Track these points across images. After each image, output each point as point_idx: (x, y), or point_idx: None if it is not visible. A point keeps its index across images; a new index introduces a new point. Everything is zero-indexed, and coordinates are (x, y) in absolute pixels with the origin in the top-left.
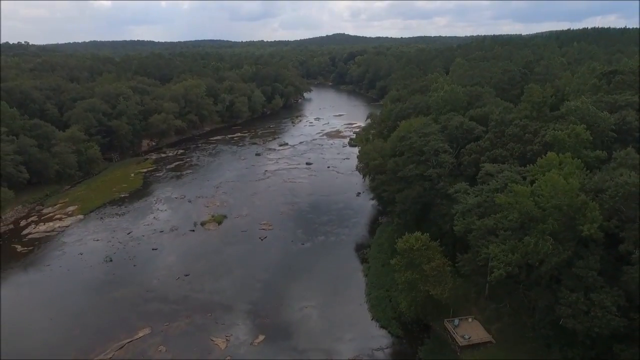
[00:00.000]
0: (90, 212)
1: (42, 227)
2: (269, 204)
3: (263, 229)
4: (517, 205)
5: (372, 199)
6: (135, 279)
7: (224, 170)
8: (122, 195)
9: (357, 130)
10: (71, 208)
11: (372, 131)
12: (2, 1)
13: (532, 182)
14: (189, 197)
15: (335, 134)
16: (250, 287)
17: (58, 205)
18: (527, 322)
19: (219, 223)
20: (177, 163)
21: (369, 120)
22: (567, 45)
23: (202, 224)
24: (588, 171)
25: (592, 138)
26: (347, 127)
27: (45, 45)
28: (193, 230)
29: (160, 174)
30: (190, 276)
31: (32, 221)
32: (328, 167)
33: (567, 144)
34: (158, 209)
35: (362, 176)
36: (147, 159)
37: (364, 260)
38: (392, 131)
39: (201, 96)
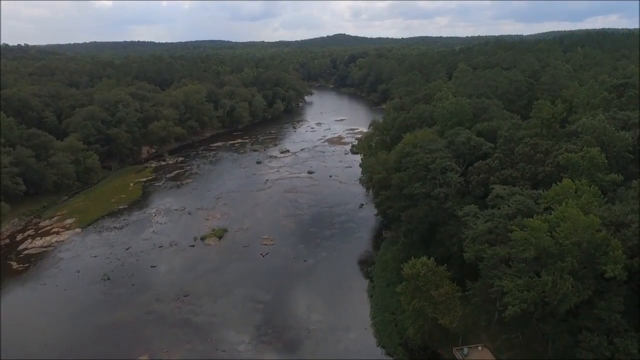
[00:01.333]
0: (88, 225)
1: (38, 242)
2: (271, 216)
3: (264, 244)
4: (534, 240)
5: (377, 214)
6: (134, 300)
7: (225, 179)
8: (121, 207)
9: (359, 136)
10: (69, 221)
11: (374, 139)
12: (2, 1)
13: (546, 209)
14: (189, 209)
15: (337, 140)
16: (251, 308)
17: (55, 218)
18: (541, 353)
19: (220, 237)
20: (177, 171)
21: (371, 129)
22: (571, 49)
23: (202, 238)
24: (605, 198)
25: (607, 161)
26: (349, 133)
27: (46, 46)
28: (193, 246)
29: (160, 184)
30: (190, 297)
31: (28, 235)
32: (330, 176)
33: (581, 167)
34: (157, 222)
35: (365, 189)
36: (147, 167)
37: (368, 278)
38: (395, 141)
39: (201, 102)
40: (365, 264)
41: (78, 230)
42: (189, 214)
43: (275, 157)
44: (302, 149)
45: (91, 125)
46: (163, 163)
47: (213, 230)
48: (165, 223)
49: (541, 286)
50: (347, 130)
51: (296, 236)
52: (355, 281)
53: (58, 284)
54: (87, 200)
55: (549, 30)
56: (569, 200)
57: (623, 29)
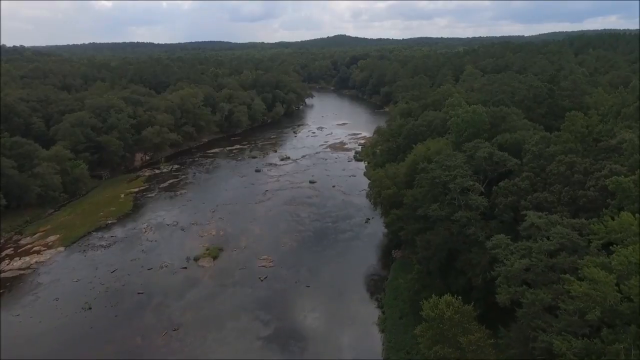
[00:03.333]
0: (73, 243)
1: (17, 263)
2: (270, 232)
3: (263, 266)
4: (599, 296)
5: (386, 234)
6: (116, 335)
7: (221, 190)
8: (109, 222)
9: (362, 141)
10: (52, 238)
11: (379, 146)
12: (2, 1)
13: (600, 246)
14: (183, 224)
15: (340, 146)
16: (248, 346)
17: (38, 235)
18: None
19: (214, 258)
20: (171, 181)
21: (375, 136)
22: (581, 51)
23: (196, 259)
24: None
25: None
26: (352, 138)
27: (44, 47)
28: (185, 268)
29: (153, 195)
30: (179, 331)
31: (6, 255)
32: (333, 186)
33: (634, 194)
34: (147, 239)
35: (372, 204)
36: (140, 176)
37: (378, 307)
38: (403, 149)
39: (198, 106)
40: (374, 289)
41: (61, 249)
42: (182, 229)
43: (275, 164)
44: (303, 156)
45: (80, 133)
46: (157, 171)
47: (207, 250)
48: (155, 240)
49: (610, 356)
50: (349, 135)
51: (297, 256)
52: (363, 311)
53: (33, 315)
54: (74, 213)
55: (550, 32)
56: (636, 243)
57: (625, 29)
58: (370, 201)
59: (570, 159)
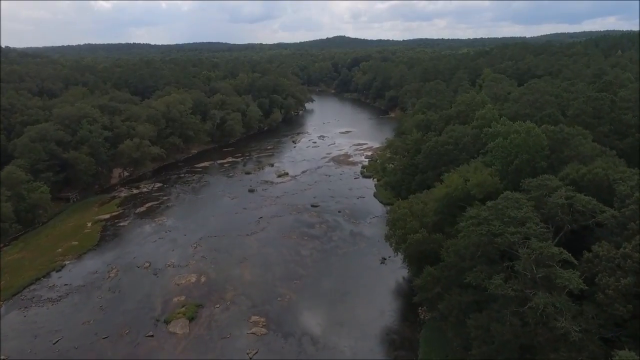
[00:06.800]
0: (14, 294)
1: None
2: (263, 279)
3: (253, 333)
4: None
5: (411, 284)
6: None
7: (207, 216)
8: (67, 262)
9: (369, 153)
10: None
11: (392, 163)
12: (2, 2)
13: None
14: (156, 265)
15: (344, 159)
16: None
17: None
18: None
19: (191, 319)
20: (150, 204)
21: (388, 152)
22: (609, 53)
23: (167, 321)
24: None
25: None
26: (357, 149)
27: (40, 48)
28: (151, 336)
29: (126, 223)
30: None
31: None
32: (339, 211)
33: None
34: (109, 289)
35: (394, 250)
36: (115, 197)
37: None
38: (421, 169)
39: (186, 113)
40: None
41: None
42: (155, 274)
43: (272, 182)
44: (303, 171)
45: (41, 149)
46: (136, 191)
47: (183, 307)
48: (119, 291)
49: None
50: (354, 145)
51: (298, 315)
52: None
53: None
54: (26, 250)
55: (551, 32)
56: None
57: (628, 30)
58: (390, 246)
59: None
